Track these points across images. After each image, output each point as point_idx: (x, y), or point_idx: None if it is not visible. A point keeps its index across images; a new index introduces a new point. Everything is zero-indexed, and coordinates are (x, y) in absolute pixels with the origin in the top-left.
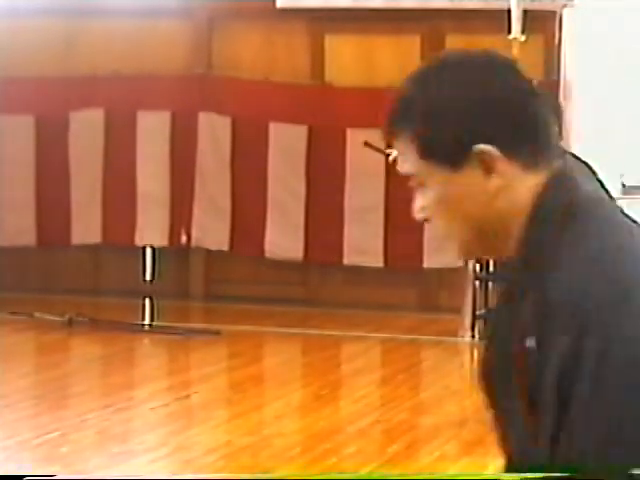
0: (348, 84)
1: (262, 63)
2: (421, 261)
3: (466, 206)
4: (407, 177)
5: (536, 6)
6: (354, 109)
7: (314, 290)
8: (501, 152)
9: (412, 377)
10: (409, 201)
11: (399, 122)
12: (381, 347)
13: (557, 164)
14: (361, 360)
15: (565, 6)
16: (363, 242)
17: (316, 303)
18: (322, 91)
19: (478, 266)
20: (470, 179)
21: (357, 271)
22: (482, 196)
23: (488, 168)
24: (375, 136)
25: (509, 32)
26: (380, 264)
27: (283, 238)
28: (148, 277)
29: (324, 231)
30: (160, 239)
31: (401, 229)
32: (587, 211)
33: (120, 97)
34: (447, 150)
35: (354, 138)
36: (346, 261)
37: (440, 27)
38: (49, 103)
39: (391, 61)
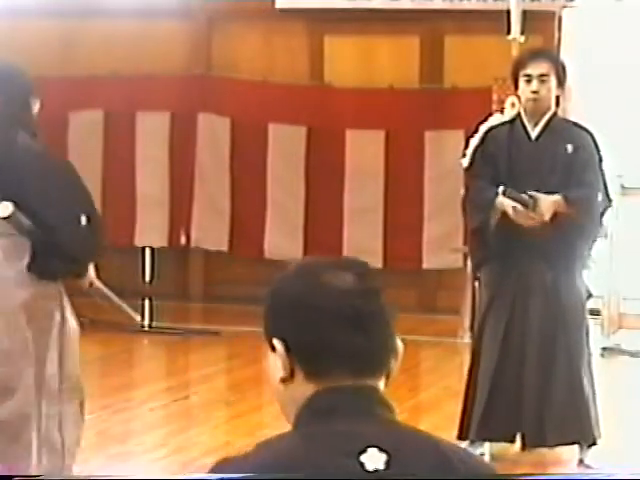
0: (347, 85)
1: (261, 64)
2: (420, 262)
3: None
4: (405, 178)
5: (535, 7)
6: (353, 110)
7: None
8: None
9: (412, 378)
10: (408, 202)
11: None
12: None
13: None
14: None
15: (564, 7)
16: (362, 243)
17: None
18: (321, 92)
19: None
20: None
21: None
22: None
23: None
24: (374, 137)
25: (508, 33)
26: (379, 265)
27: (282, 239)
28: (147, 278)
29: (323, 232)
30: (159, 240)
31: (400, 230)
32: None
33: (119, 98)
34: None
35: (353, 139)
36: None
37: (439, 28)
38: (48, 104)
39: (390, 62)
